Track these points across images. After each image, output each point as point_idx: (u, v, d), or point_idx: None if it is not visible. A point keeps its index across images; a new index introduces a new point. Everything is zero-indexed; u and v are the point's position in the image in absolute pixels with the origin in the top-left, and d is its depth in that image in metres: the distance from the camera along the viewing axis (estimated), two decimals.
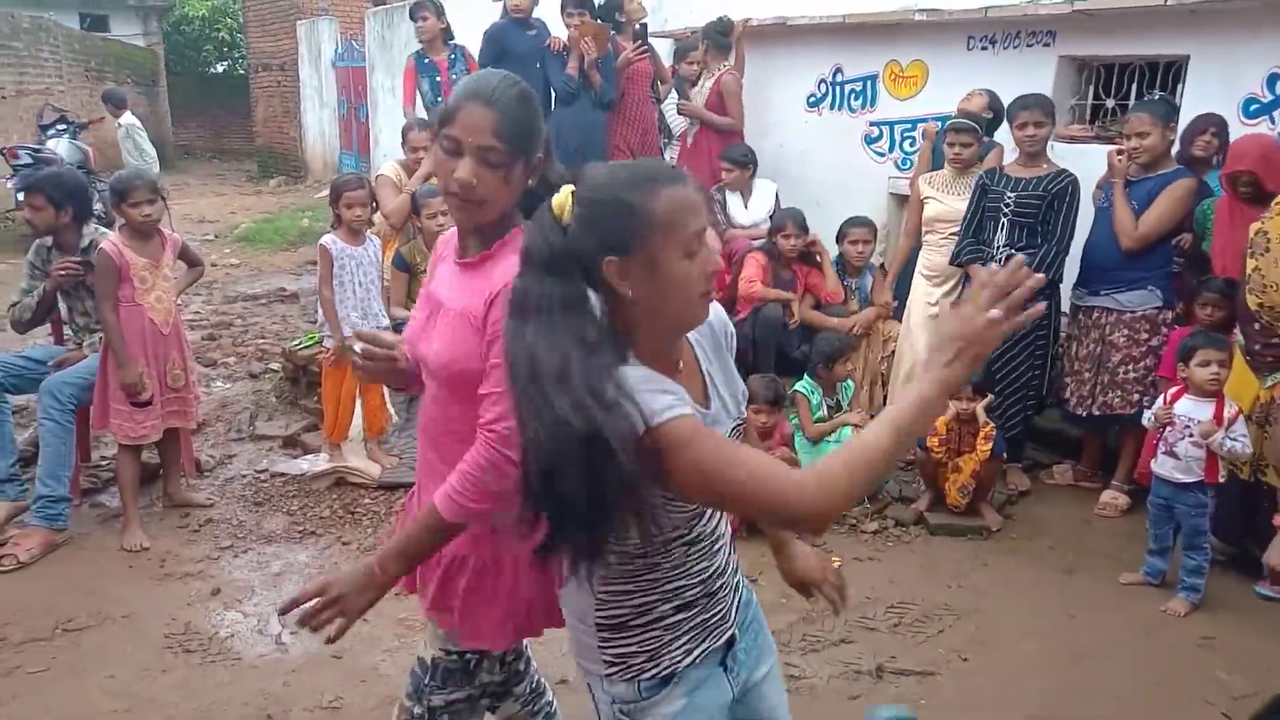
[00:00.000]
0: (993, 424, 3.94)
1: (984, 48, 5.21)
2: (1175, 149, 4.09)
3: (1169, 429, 3.36)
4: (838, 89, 6.03)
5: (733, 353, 1.58)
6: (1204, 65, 4.39)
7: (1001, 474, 4.21)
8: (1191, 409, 3.33)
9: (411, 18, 5.87)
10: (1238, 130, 4.07)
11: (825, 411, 4.34)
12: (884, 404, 4.78)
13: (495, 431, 1.55)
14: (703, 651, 1.48)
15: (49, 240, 3.85)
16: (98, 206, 8.81)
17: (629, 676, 1.45)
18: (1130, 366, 4.02)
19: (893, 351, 4.79)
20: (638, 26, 5.90)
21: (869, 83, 5.84)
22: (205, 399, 4.98)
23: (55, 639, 3.05)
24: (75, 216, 3.81)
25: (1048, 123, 4.09)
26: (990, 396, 4.00)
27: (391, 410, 4.59)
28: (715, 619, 1.50)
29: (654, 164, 1.42)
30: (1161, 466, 3.39)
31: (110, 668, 2.90)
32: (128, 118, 9.86)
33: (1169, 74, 4.66)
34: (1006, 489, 4.26)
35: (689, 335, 1.48)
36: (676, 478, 1.27)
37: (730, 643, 1.54)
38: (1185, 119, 4.22)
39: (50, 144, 9.55)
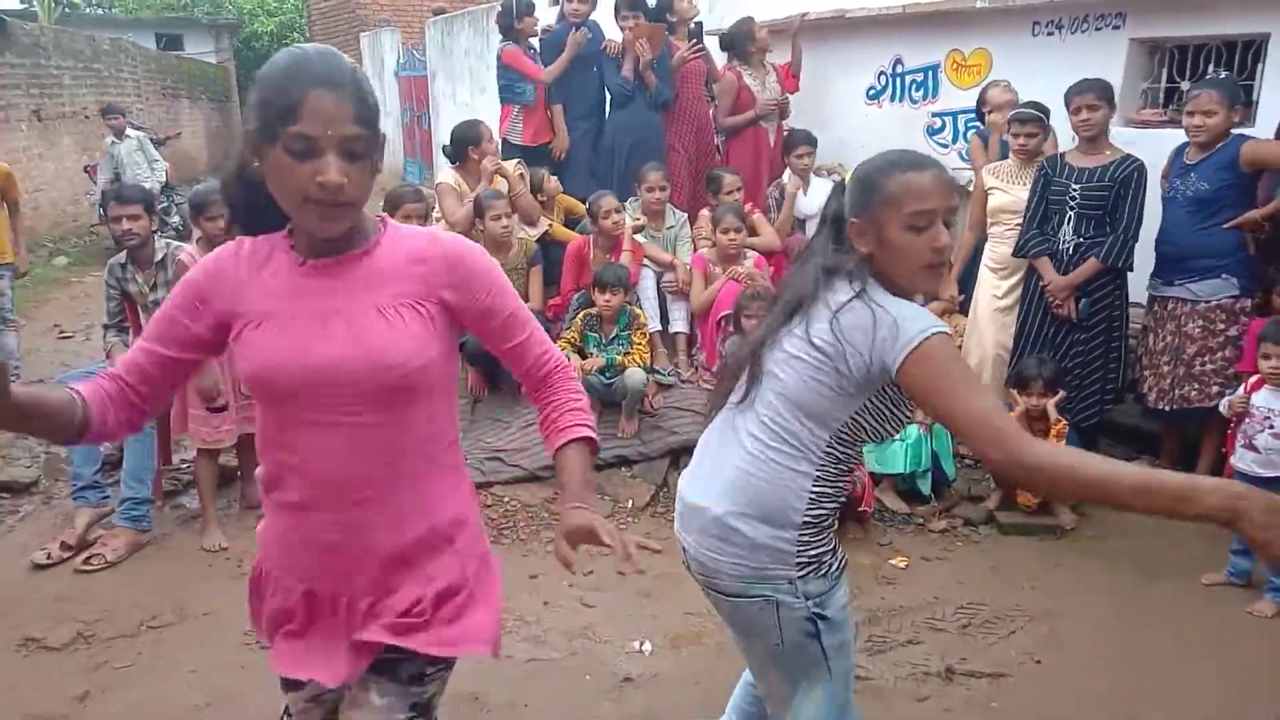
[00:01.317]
0: (1064, 421, 3.84)
1: (1050, 33, 5.07)
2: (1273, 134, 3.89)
3: (1248, 421, 3.24)
4: (898, 80, 5.93)
5: None
6: None
7: None
8: (1271, 400, 3.21)
9: None
10: None
11: None
12: None
13: (565, 361, 1.60)
14: None
15: (122, 258, 3.92)
16: (175, 219, 9.17)
17: (822, 572, 1.70)
18: (1207, 358, 3.87)
19: (959, 346, 4.70)
20: (692, 25, 5.89)
21: (930, 73, 5.73)
22: None
23: (140, 635, 3.18)
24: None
25: (1102, 106, 3.94)
26: (1062, 393, 3.89)
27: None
28: None
29: (907, 153, 1.72)
30: (1241, 460, 3.27)
31: (192, 663, 3.00)
32: (133, 131, 9.70)
33: (1248, 54, 4.47)
34: None
35: None
36: (917, 380, 1.50)
37: None
38: (1267, 102, 4.04)
39: None
